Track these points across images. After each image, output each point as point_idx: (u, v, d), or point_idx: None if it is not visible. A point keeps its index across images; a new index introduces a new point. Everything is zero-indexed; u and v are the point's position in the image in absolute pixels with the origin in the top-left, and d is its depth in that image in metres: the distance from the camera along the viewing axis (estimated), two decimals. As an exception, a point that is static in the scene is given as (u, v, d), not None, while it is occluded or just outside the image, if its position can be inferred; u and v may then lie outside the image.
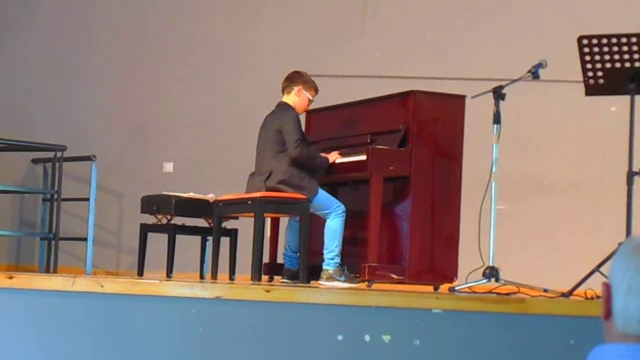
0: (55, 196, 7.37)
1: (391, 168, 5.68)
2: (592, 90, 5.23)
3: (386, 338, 4.24)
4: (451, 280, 5.71)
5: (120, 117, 8.64)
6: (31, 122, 8.54)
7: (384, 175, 5.66)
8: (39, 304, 4.57)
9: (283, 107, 5.97)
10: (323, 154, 5.91)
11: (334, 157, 5.92)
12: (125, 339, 4.48)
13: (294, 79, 6.01)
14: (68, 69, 8.71)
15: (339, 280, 5.65)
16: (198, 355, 4.42)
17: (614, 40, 5.06)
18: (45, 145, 7.53)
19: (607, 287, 1.85)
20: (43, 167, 8.19)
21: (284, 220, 6.38)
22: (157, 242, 6.76)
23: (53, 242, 7.33)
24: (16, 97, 8.69)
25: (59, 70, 8.71)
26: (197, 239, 6.75)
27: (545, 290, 4.99)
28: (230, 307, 4.41)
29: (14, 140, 7.51)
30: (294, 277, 5.93)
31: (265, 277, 6.04)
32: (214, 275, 6.05)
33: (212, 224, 6.33)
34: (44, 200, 8.08)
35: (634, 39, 5.04)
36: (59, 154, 7.37)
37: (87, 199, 7.47)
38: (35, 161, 8.34)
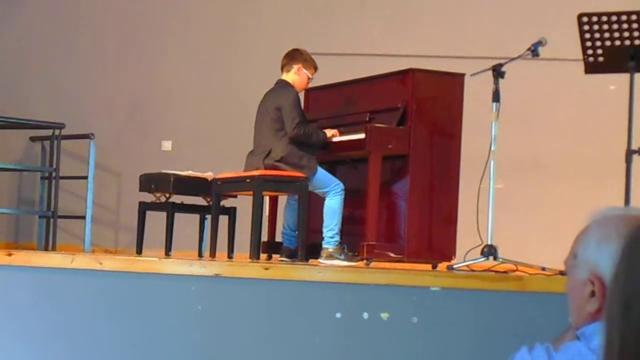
0: (54, 174, 7.36)
1: (390, 146, 5.67)
2: (591, 68, 5.23)
3: (384, 316, 4.26)
4: (449, 259, 5.71)
5: (118, 96, 8.62)
6: (28, 100, 8.51)
7: (382, 153, 5.65)
8: (38, 281, 4.58)
9: (282, 85, 5.96)
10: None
11: (332, 132, 5.91)
12: (124, 317, 4.49)
13: (294, 57, 5.99)
14: (65, 47, 8.68)
15: (338, 259, 5.65)
16: (197, 332, 4.44)
17: (614, 18, 5.05)
18: (44, 123, 7.52)
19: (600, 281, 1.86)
20: (41, 145, 8.18)
21: (282, 199, 6.38)
22: (156, 221, 6.76)
23: (51, 220, 7.32)
24: (12, 75, 8.66)
25: (56, 48, 8.68)
26: (196, 217, 6.75)
27: (543, 269, 5.01)
28: (229, 284, 4.42)
29: (12, 118, 7.50)
30: (292, 255, 5.93)
31: (263, 256, 6.05)
32: (213, 254, 6.05)
33: (210, 202, 6.33)
34: (42, 178, 8.07)
35: (634, 17, 5.03)
36: (57, 132, 7.36)
37: (86, 177, 7.46)
38: (33, 139, 8.33)
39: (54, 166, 7.37)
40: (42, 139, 8.09)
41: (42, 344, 4.53)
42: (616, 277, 1.45)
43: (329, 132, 5.90)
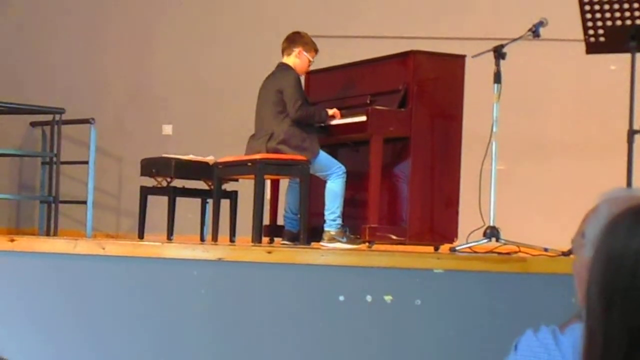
0: (54, 159, 7.35)
1: (391, 129, 5.67)
2: (592, 48, 5.22)
3: (388, 298, 4.26)
4: (451, 241, 5.71)
5: (118, 80, 8.60)
6: (28, 85, 8.49)
7: (384, 136, 5.65)
8: (40, 266, 4.58)
9: (283, 68, 5.95)
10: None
11: (333, 110, 5.89)
12: (128, 301, 4.50)
13: (295, 40, 5.97)
14: (63, 31, 8.65)
15: (340, 242, 5.65)
16: (200, 316, 4.44)
17: (615, -2, 5.04)
18: (44, 108, 7.49)
19: None
20: (42, 131, 8.16)
21: (283, 182, 6.37)
22: (157, 205, 6.76)
23: (53, 206, 7.32)
24: (12, 61, 8.64)
25: (55, 33, 8.66)
26: (197, 202, 6.75)
27: (546, 250, 5.01)
28: (232, 268, 4.42)
29: (12, 104, 7.47)
30: (294, 238, 5.93)
31: (265, 239, 6.05)
32: (215, 238, 6.05)
33: (212, 186, 6.33)
34: (43, 163, 8.06)
35: (635, -4, 5.01)
36: (57, 117, 7.34)
37: (86, 162, 7.45)
38: (33, 124, 8.30)
39: (55, 151, 7.35)
40: (42, 124, 8.07)
41: (46, 329, 4.54)
42: (595, 269, 1.43)
43: (331, 110, 5.89)
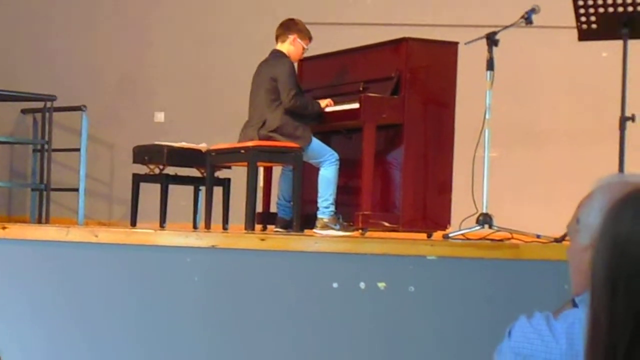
0: (46, 147, 7.33)
1: (384, 116, 5.67)
2: (585, 35, 5.22)
3: (381, 285, 4.27)
4: (444, 228, 5.72)
5: (110, 67, 8.57)
6: (19, 72, 8.46)
7: (376, 123, 5.64)
8: (32, 254, 4.57)
9: (277, 55, 5.93)
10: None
11: (326, 102, 5.90)
12: (120, 289, 4.50)
13: (289, 27, 5.96)
14: (55, 18, 8.62)
15: (334, 229, 5.66)
16: (193, 303, 4.44)
17: (608, -15, 5.04)
18: (35, 95, 7.47)
19: None
20: (33, 118, 8.14)
21: (276, 170, 6.37)
22: (150, 193, 6.75)
23: (44, 193, 7.30)
24: (3, 48, 8.60)
25: (46, 20, 8.62)
26: (190, 189, 6.74)
27: (539, 236, 5.03)
28: (226, 255, 4.42)
29: (2, 91, 7.44)
30: (287, 226, 5.94)
31: (258, 227, 6.05)
32: (207, 225, 6.05)
33: (204, 174, 6.32)
34: (34, 151, 8.04)
35: (627, -17, 5.01)
36: (48, 104, 7.32)
37: (78, 150, 7.44)
38: (24, 112, 8.28)
39: (46, 138, 7.33)
40: (33, 111, 8.05)
41: (38, 317, 4.53)
42: (599, 255, 1.42)
43: (323, 103, 5.90)
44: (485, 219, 5.16)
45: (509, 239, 5.09)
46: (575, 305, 2.00)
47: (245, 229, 5.68)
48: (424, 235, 5.73)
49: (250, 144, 5.75)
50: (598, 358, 1.39)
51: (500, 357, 1.94)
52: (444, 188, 5.82)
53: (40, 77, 8.35)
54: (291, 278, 4.38)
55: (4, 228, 4.61)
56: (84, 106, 7.50)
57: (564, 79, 7.79)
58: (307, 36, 5.95)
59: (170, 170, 6.59)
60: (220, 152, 6.04)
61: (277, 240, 4.53)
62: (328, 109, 5.90)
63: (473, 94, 5.77)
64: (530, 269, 4.29)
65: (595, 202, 1.90)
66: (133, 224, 6.54)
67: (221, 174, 6.41)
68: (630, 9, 5.04)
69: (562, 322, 1.92)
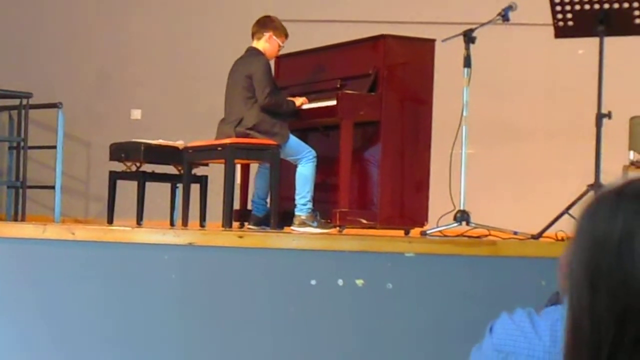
0: (22, 144, 7.28)
1: (361, 113, 5.67)
2: (561, 32, 5.24)
3: (359, 282, 4.27)
4: (421, 225, 5.73)
5: (86, 64, 8.53)
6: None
7: (354, 120, 5.65)
8: (9, 252, 4.54)
9: (253, 52, 5.92)
10: (290, 98, 5.89)
11: (301, 100, 5.89)
12: (98, 286, 4.47)
13: (265, 24, 5.95)
14: (32, 16, 8.57)
15: (311, 226, 5.66)
16: (171, 301, 4.43)
17: (584, -18, 5.06)
18: (11, 92, 7.42)
19: None
20: (9, 115, 8.07)
21: (253, 167, 6.36)
22: (126, 190, 6.73)
23: (20, 191, 7.26)
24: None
25: (23, 17, 8.57)
26: (167, 186, 6.72)
27: (516, 233, 5.05)
28: (203, 253, 4.41)
29: (-22, 88, 7.39)
30: (260, 223, 5.95)
31: (235, 224, 6.04)
32: (185, 222, 6.03)
33: (181, 171, 6.30)
34: (10, 148, 7.98)
35: (603, -19, 5.04)
36: (24, 102, 7.27)
37: (54, 147, 7.39)
38: (0, 109, 8.22)
39: (22, 136, 7.28)
40: (9, 108, 7.98)
41: (14, 314, 4.50)
42: (578, 253, 1.41)
43: (298, 101, 5.89)
44: (462, 216, 5.18)
45: (486, 235, 5.11)
46: (556, 302, 2.00)
47: (223, 226, 5.67)
48: (401, 232, 5.74)
49: (227, 141, 5.73)
50: (581, 359, 1.38)
51: (480, 355, 1.93)
52: (422, 185, 5.83)
53: (16, 75, 8.29)
54: (269, 275, 4.37)
55: (-21, 226, 4.58)
56: (60, 103, 7.45)
57: (541, 76, 7.82)
58: (283, 33, 5.94)
59: (147, 168, 6.57)
60: (198, 150, 6.02)
61: (254, 237, 4.52)
62: (305, 106, 5.90)
63: (450, 91, 5.79)
64: (508, 265, 4.30)
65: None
66: (110, 221, 6.51)
67: (198, 171, 6.39)
68: (606, 5, 5.06)
69: (545, 319, 1.92)
